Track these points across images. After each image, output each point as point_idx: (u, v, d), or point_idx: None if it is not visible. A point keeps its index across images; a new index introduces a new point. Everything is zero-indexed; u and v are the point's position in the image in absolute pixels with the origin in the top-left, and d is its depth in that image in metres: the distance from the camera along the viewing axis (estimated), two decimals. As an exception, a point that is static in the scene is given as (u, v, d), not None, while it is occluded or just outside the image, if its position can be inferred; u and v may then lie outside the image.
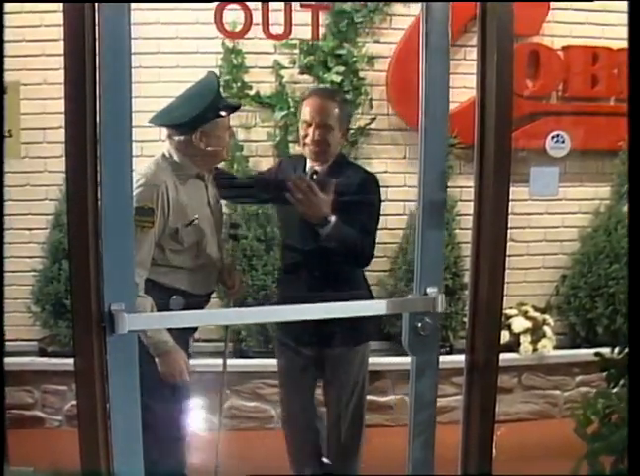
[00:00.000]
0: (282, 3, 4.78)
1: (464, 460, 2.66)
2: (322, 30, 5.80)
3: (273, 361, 5.48)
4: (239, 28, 4.75)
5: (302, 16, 5.53)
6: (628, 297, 1.81)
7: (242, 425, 5.62)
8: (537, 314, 5.99)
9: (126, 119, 2.38)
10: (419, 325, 2.79)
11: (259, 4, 5.19)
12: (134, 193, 3.06)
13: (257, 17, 5.29)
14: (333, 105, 3.95)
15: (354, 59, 5.86)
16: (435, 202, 2.74)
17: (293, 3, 4.95)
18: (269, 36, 5.24)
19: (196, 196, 3.75)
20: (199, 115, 3.64)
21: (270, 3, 5.01)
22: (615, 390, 2.20)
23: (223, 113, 3.74)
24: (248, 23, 5.14)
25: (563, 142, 5.77)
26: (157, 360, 3.57)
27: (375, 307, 3.36)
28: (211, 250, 3.82)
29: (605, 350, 2.54)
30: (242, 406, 5.63)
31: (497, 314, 2.56)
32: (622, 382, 2.24)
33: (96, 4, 2.35)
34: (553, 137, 5.79)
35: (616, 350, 2.44)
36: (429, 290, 2.80)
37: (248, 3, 4.79)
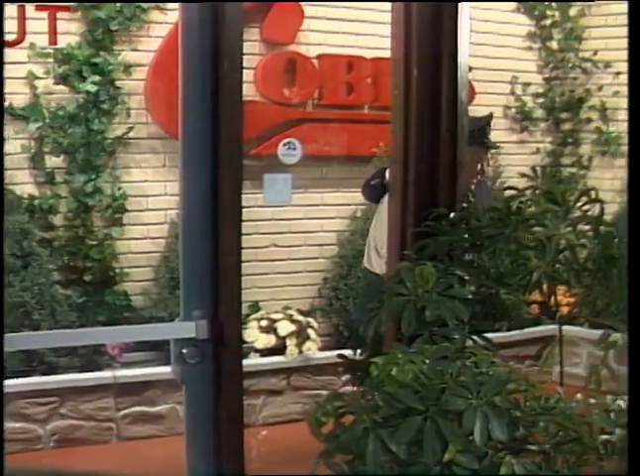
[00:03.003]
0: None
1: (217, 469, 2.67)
2: (76, 38, 5.69)
3: (37, 379, 5.38)
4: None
5: (59, 24, 5.43)
6: (628, 298, 1.86)
7: (9, 448, 5.39)
8: (302, 317, 6.11)
9: None
10: (185, 352, 2.61)
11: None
12: None
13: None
14: None
15: (110, 67, 5.76)
16: (199, 217, 2.60)
17: (27, 6, 4.79)
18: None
19: None
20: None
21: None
22: (351, 390, 2.28)
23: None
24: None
25: (295, 149, 5.89)
26: None
27: (140, 333, 3.32)
28: None
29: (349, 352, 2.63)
30: (7, 428, 5.42)
31: (237, 326, 2.58)
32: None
33: None
34: (285, 144, 5.90)
35: (358, 352, 2.53)
36: (194, 314, 2.62)
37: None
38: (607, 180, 7.13)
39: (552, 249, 2.21)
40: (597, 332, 2.28)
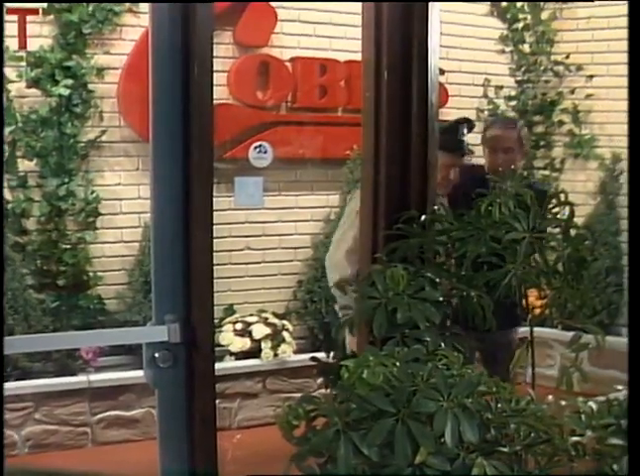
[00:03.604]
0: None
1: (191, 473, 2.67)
2: (49, 41, 5.68)
3: (11, 384, 5.34)
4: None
5: (31, 27, 5.40)
6: (629, 298, 1.85)
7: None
8: (276, 320, 6.11)
9: None
10: (157, 356, 2.60)
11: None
12: None
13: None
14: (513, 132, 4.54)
15: (83, 71, 5.75)
16: (171, 220, 2.58)
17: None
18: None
19: None
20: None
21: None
22: (324, 393, 2.28)
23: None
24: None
25: (265, 152, 5.90)
26: None
27: (112, 337, 3.31)
28: None
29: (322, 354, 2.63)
30: (-21, 433, 5.37)
31: (209, 329, 2.57)
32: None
33: None
34: (255, 147, 5.90)
35: (331, 354, 2.53)
36: (166, 317, 2.61)
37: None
38: (580, 183, 7.18)
39: (522, 252, 2.22)
40: (571, 334, 2.29)
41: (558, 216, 2.35)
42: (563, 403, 2.08)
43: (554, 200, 2.36)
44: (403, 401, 1.85)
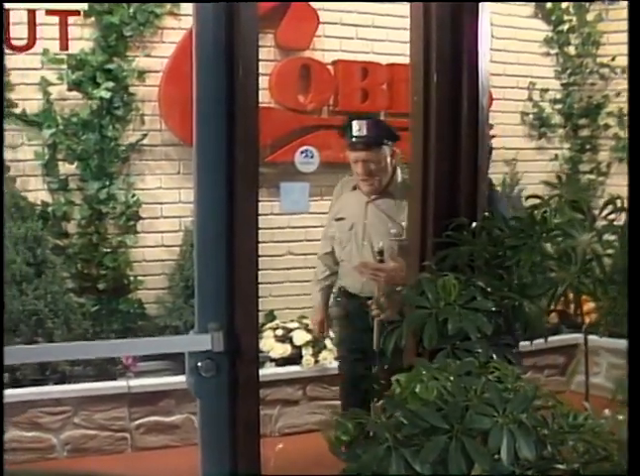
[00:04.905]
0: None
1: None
2: (90, 44, 5.68)
3: (51, 388, 5.33)
4: None
5: (72, 30, 5.39)
6: (629, 299, 1.80)
7: (22, 457, 5.34)
8: (317, 327, 6.06)
9: None
10: (200, 365, 2.54)
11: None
12: None
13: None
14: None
15: (124, 73, 5.74)
16: (214, 225, 2.52)
17: (37, 11, 4.77)
18: (10, 46, 5.04)
19: None
20: None
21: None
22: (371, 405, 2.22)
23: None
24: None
25: (312, 157, 5.85)
26: None
27: (154, 346, 3.28)
28: None
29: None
30: (21, 437, 5.36)
31: (253, 336, 2.52)
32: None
33: None
34: (302, 152, 5.86)
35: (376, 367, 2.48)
36: (210, 326, 2.54)
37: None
38: (626, 187, 7.05)
39: (578, 260, 2.15)
40: (618, 341, 2.21)
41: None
42: (620, 417, 2.00)
43: (610, 206, 2.28)
44: (457, 416, 1.78)
